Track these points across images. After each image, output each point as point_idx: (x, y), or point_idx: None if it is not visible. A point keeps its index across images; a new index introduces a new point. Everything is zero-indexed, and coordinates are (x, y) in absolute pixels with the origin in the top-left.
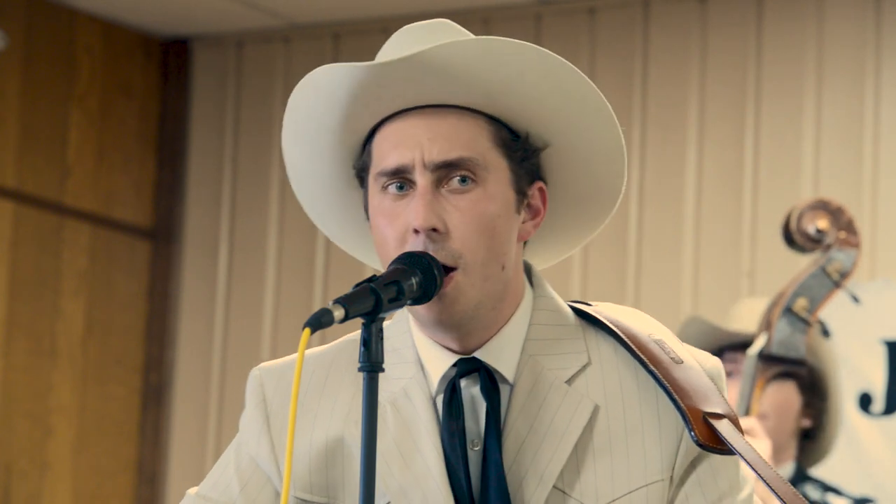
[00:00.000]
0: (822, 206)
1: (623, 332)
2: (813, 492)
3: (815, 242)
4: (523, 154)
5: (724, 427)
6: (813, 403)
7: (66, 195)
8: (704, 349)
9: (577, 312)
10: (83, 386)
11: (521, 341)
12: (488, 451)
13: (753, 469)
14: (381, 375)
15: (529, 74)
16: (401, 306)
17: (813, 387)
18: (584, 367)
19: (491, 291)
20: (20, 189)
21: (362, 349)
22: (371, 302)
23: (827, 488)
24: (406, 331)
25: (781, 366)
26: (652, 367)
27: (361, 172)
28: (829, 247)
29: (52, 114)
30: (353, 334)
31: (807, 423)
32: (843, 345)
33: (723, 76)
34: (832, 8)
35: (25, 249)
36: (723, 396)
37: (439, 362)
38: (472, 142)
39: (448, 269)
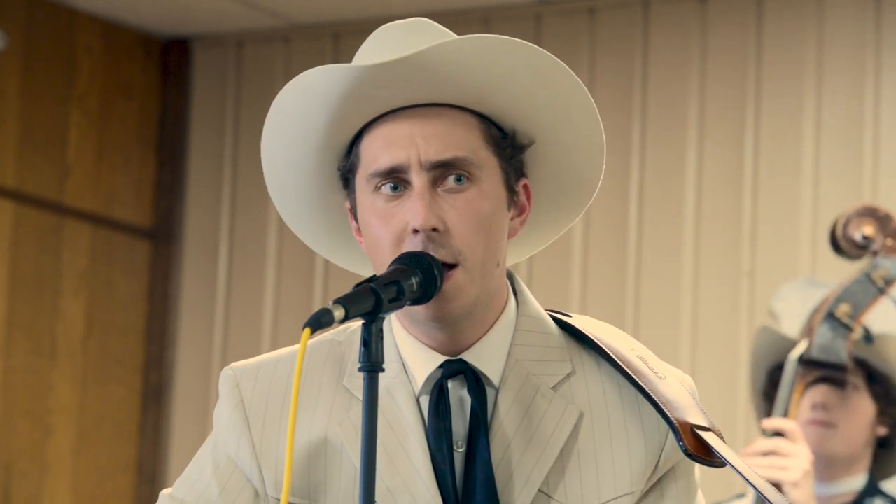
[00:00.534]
0: (869, 213)
1: (606, 346)
2: None
3: (861, 249)
4: (511, 151)
5: (711, 439)
6: (888, 411)
7: (66, 195)
8: (775, 360)
9: (558, 323)
10: (83, 386)
11: (508, 345)
12: (476, 452)
13: (745, 479)
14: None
15: (522, 73)
16: (401, 306)
17: (888, 395)
18: (569, 376)
19: (487, 289)
20: (20, 189)
21: (362, 349)
22: (371, 302)
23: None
24: (387, 331)
25: (822, 370)
26: (638, 380)
27: (347, 174)
28: (875, 253)
29: (52, 114)
30: (325, 335)
31: (882, 431)
32: None
33: (723, 76)
34: (832, 8)
35: (25, 249)
36: (704, 412)
37: (424, 363)
38: (466, 141)
39: (448, 266)
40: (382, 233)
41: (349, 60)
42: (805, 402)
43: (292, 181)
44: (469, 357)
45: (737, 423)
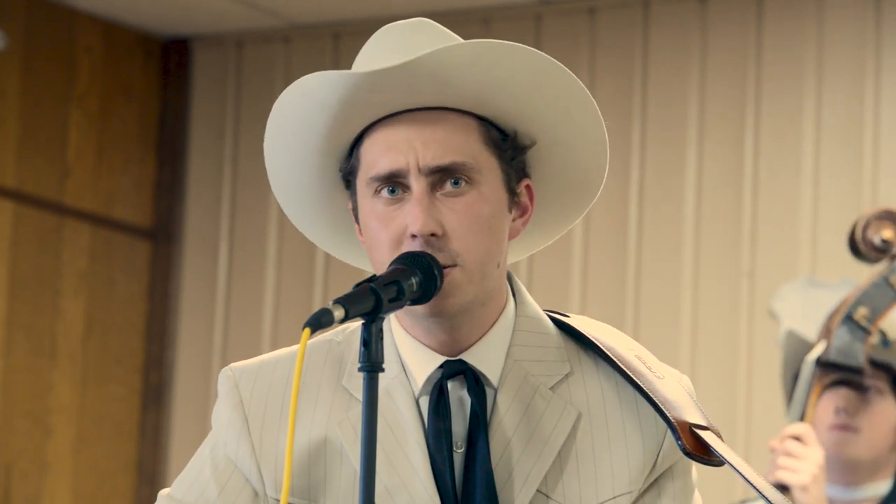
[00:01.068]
0: (889, 217)
1: (604, 346)
2: None
3: (880, 252)
4: (512, 153)
5: (710, 438)
6: None
7: (66, 195)
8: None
9: (556, 323)
10: (83, 386)
11: (506, 346)
12: (475, 452)
13: (744, 478)
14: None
15: (520, 75)
16: (401, 306)
17: None
18: (567, 376)
19: (486, 288)
20: (20, 189)
21: (362, 349)
22: (371, 302)
23: None
24: (387, 331)
25: (839, 373)
26: (636, 380)
27: (348, 176)
28: (894, 257)
29: (52, 114)
30: (323, 335)
31: None
32: None
33: (723, 76)
34: (832, 8)
35: (25, 249)
36: (703, 412)
37: (424, 364)
38: (465, 145)
39: (447, 267)
40: (382, 236)
41: (349, 60)
42: (827, 407)
43: (296, 182)
44: (468, 357)
45: (736, 423)
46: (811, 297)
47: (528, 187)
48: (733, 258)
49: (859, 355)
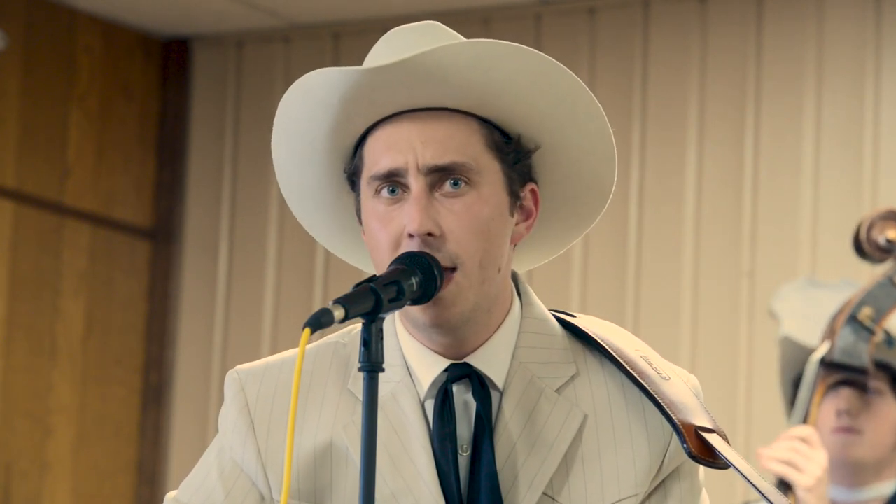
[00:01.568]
0: (893, 217)
1: (610, 347)
2: None
3: (884, 252)
4: (516, 156)
5: (715, 441)
6: None
7: (66, 195)
8: (799, 370)
9: (563, 324)
10: (83, 386)
11: (512, 349)
12: (480, 456)
13: (748, 480)
14: None
15: (521, 77)
16: (401, 306)
17: None
18: (573, 378)
19: (487, 294)
20: (20, 189)
21: (362, 349)
22: (371, 302)
23: None
24: (391, 334)
25: (843, 373)
26: (642, 382)
27: (353, 176)
28: None
29: (52, 114)
30: (328, 337)
31: None
32: None
33: (723, 76)
34: (832, 8)
35: (25, 249)
36: (709, 413)
37: (429, 367)
38: (465, 145)
39: (447, 271)
40: (381, 236)
41: (349, 60)
42: (829, 409)
43: (303, 182)
44: (473, 361)
45: (736, 423)
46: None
47: (532, 191)
48: (733, 258)
49: (863, 355)
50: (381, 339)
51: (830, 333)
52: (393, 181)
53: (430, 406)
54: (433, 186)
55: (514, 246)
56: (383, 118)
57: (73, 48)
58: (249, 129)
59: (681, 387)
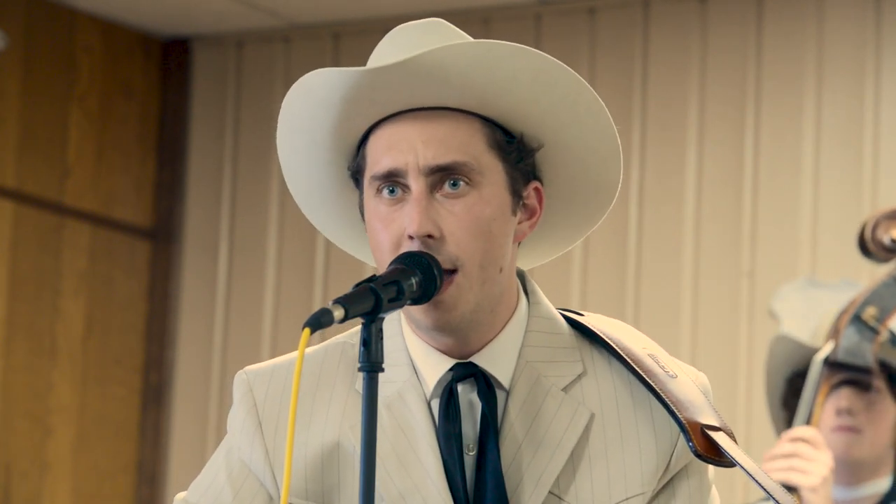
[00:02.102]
0: None
1: (617, 345)
2: None
3: (889, 252)
4: (518, 155)
5: (721, 439)
6: None
7: (66, 195)
8: (793, 369)
9: (570, 322)
10: (83, 386)
11: (518, 347)
12: (485, 455)
13: (754, 479)
14: None
15: (523, 76)
16: (401, 306)
17: None
18: (580, 377)
19: (489, 294)
20: (20, 189)
21: (362, 349)
22: (371, 302)
23: None
24: (398, 333)
25: (847, 373)
26: (648, 380)
27: (356, 174)
28: None
29: (52, 114)
30: (337, 337)
31: None
32: None
33: (723, 76)
34: (832, 8)
35: (25, 249)
36: (716, 411)
37: (435, 366)
38: (467, 145)
39: (447, 272)
40: (382, 237)
41: (349, 60)
42: (830, 408)
43: (309, 178)
44: (479, 360)
45: (737, 423)
46: (811, 297)
47: (536, 190)
48: (733, 258)
49: (867, 355)
50: (381, 339)
51: (834, 333)
52: (393, 181)
53: (436, 406)
54: (434, 187)
55: (518, 244)
56: (385, 117)
57: (73, 48)
58: (249, 129)
59: (688, 385)
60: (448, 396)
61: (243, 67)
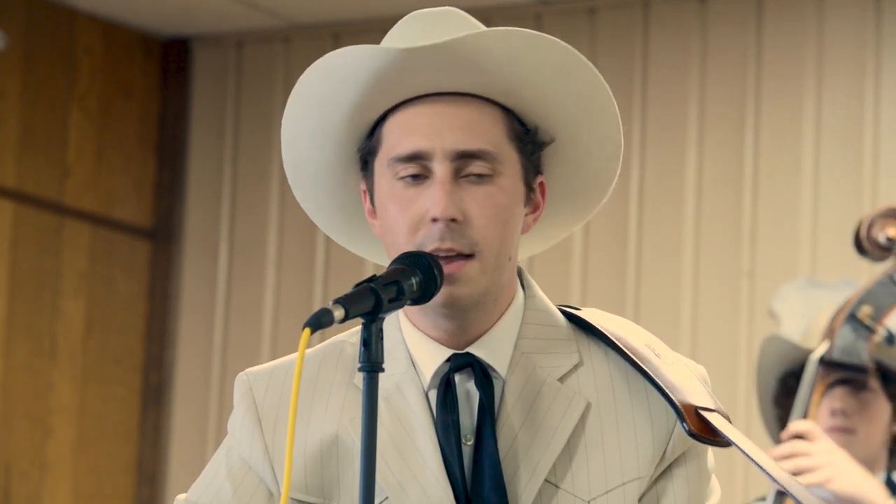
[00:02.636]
0: (894, 215)
1: (613, 336)
2: None
3: (885, 251)
4: (532, 147)
5: (716, 419)
6: None
7: (66, 195)
8: (786, 369)
9: (567, 316)
10: (83, 386)
11: (514, 338)
12: (482, 444)
13: (749, 457)
14: None
15: (548, 68)
16: (401, 306)
17: None
18: (576, 367)
19: (497, 282)
20: (20, 189)
21: (362, 349)
22: (371, 302)
23: None
24: (395, 328)
25: (842, 372)
26: (643, 366)
27: (367, 156)
28: None
29: (52, 114)
30: (336, 337)
31: None
32: None
33: (723, 76)
34: (832, 8)
35: (25, 249)
36: (713, 397)
37: (432, 357)
38: (490, 133)
39: (463, 257)
40: (399, 218)
41: None
42: (824, 409)
43: (310, 157)
44: (476, 350)
45: (736, 422)
46: (811, 297)
47: (541, 184)
48: (733, 258)
49: (863, 354)
50: (381, 338)
51: (830, 332)
52: (416, 164)
53: (433, 396)
54: (457, 172)
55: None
56: (404, 100)
57: (73, 48)
58: (249, 129)
59: (684, 372)
60: (445, 387)
61: (243, 67)
